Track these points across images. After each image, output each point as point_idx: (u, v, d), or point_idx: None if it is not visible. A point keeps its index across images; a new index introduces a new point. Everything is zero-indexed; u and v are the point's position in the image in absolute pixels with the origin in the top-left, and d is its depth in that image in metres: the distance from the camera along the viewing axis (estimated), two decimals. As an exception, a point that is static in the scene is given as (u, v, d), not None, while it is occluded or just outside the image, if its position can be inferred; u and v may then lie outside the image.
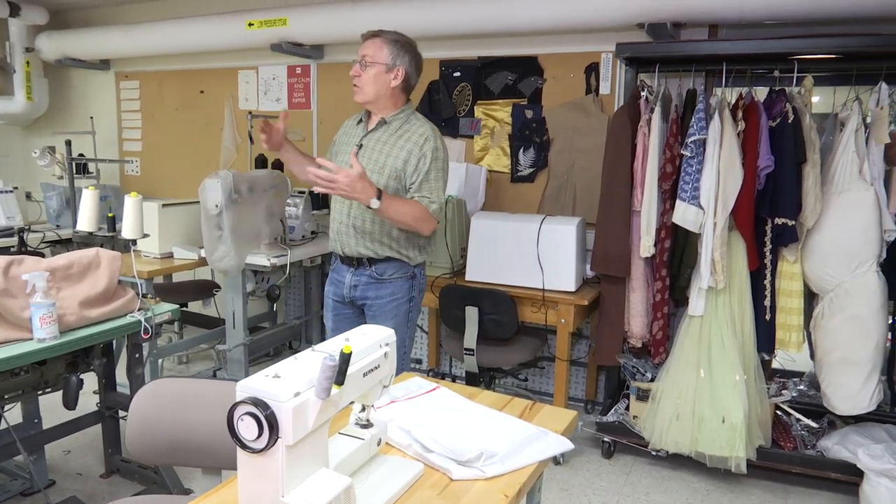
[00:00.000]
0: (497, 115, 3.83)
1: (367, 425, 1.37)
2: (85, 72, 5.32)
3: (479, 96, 3.87)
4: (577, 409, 3.72)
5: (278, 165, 4.29)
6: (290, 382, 1.08)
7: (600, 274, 3.13)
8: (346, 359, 1.11)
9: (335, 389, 1.11)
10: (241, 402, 1.06)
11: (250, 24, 4.00)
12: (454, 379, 3.94)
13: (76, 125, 5.30)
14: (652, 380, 3.02)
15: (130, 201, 2.52)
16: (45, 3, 4.92)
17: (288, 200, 3.97)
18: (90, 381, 2.69)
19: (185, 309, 4.69)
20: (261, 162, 4.32)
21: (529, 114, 3.74)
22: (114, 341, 2.82)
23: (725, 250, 2.78)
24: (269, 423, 1.04)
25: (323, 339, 4.71)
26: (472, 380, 3.29)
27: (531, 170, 3.78)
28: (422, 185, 2.39)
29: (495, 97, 3.82)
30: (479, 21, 3.45)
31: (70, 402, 2.32)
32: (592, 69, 3.55)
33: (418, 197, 2.38)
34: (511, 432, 1.54)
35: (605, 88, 3.54)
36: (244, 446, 1.07)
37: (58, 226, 4.55)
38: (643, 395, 3.03)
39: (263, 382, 1.07)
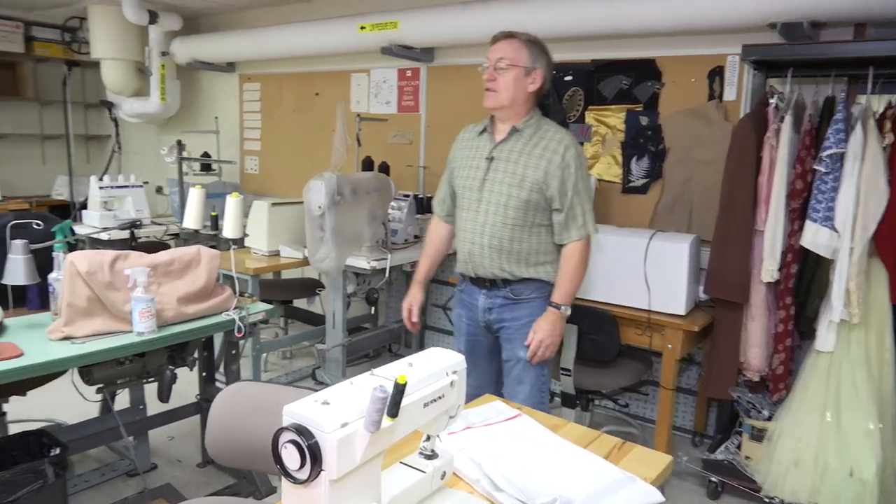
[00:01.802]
0: (609, 121, 3.63)
1: (431, 456, 1.27)
2: (212, 74, 5.61)
3: (590, 101, 3.68)
4: (682, 441, 3.49)
5: (384, 168, 4.30)
6: (339, 411, 1.00)
7: (715, 298, 2.87)
8: (399, 390, 1.01)
9: (388, 421, 1.02)
10: (286, 428, 0.99)
11: (362, 28, 4.03)
12: (552, 397, 3.77)
13: (203, 125, 5.59)
14: (769, 418, 2.73)
15: (231, 202, 2.56)
16: (179, 10, 5.22)
17: (392, 203, 3.97)
18: (191, 373, 2.78)
19: (291, 305, 4.82)
20: (367, 164, 4.34)
21: (644, 121, 3.51)
22: (213, 337, 2.90)
23: (863, 280, 2.45)
24: (312, 453, 0.96)
25: (422, 345, 4.70)
26: (568, 401, 3.12)
27: (644, 180, 3.55)
28: (573, 203, 2.21)
29: (608, 102, 3.62)
30: (593, 22, 3.27)
31: (163, 395, 2.39)
32: (716, 73, 3.27)
33: (573, 224, 2.22)
34: (594, 476, 1.39)
35: (729, 94, 3.24)
36: (287, 475, 1.00)
37: (181, 220, 4.80)
38: (758, 435, 2.74)
39: (310, 408, 1.00)
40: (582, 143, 3.73)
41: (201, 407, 2.91)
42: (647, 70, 3.47)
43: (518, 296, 2.30)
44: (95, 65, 5.63)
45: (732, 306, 2.78)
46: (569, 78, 3.72)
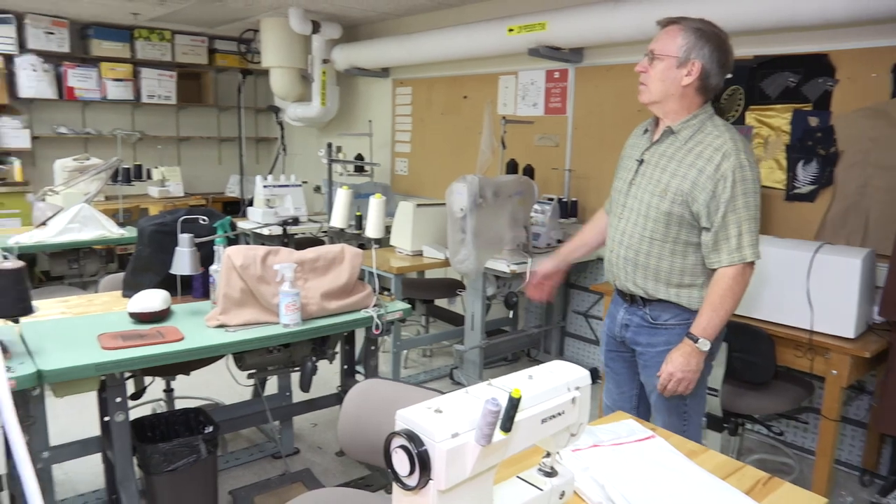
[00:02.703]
0: (773, 122, 3.34)
1: (550, 473, 1.22)
2: (368, 79, 5.86)
3: (752, 101, 3.40)
4: (847, 478, 3.13)
5: (528, 171, 4.26)
6: (451, 420, 0.98)
7: (892, 321, 2.54)
8: (513, 404, 0.98)
9: (501, 435, 0.99)
10: (397, 433, 0.99)
11: (510, 30, 4.02)
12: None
13: (358, 128, 5.87)
14: (956, 462, 2.37)
15: (374, 203, 2.64)
16: (339, 19, 5.51)
17: (535, 207, 3.92)
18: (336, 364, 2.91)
19: (433, 304, 4.91)
20: (511, 167, 4.32)
21: (814, 121, 3.19)
22: (356, 331, 3.02)
23: None
24: (422, 461, 0.95)
25: (561, 352, 4.61)
26: (714, 423, 2.90)
27: (811, 187, 3.22)
28: (727, 221, 1.91)
29: (772, 102, 3.33)
30: (758, 14, 3.01)
31: (304, 384, 2.51)
32: (904, 68, 2.90)
33: (724, 247, 1.93)
34: (730, 511, 1.27)
35: (919, 91, 2.87)
36: (397, 479, 1.00)
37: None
38: (941, 480, 2.40)
39: (422, 416, 0.99)
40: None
41: (341, 398, 3.03)
42: (818, 65, 3.14)
43: (656, 320, 2.09)
44: (265, 73, 6.09)
45: (914, 332, 2.46)
46: (728, 75, 3.46)
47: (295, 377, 2.89)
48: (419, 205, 4.02)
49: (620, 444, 1.54)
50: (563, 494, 1.23)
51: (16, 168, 5.71)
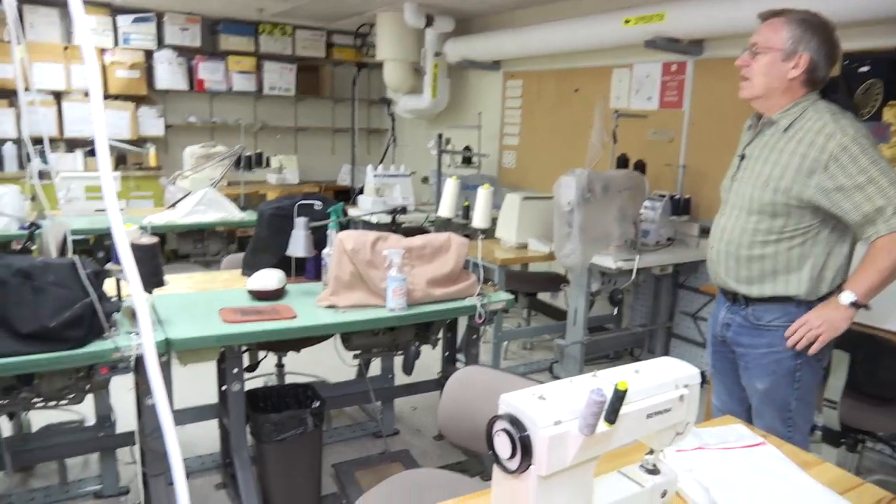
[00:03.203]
0: (916, 119, 3.08)
1: (652, 471, 1.20)
2: (479, 72, 5.89)
3: (891, 95, 3.14)
4: None
5: (640, 166, 4.15)
6: (554, 408, 0.98)
7: None
8: (619, 396, 0.97)
9: (605, 427, 0.98)
10: (500, 416, 1.00)
11: (626, 21, 3.91)
12: (813, 429, 3.33)
13: (467, 120, 5.91)
14: None
15: (482, 193, 2.67)
16: (452, 12, 5.56)
17: (645, 203, 3.82)
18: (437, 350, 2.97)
19: (535, 298, 4.90)
20: (622, 162, 4.22)
21: (965, 119, 2.91)
22: (458, 319, 3.06)
23: None
24: (523, 445, 0.96)
25: (666, 353, 4.46)
26: (830, 437, 2.73)
27: (958, 190, 2.94)
28: (870, 194, 1.78)
29: (915, 97, 3.07)
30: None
31: (407, 368, 2.58)
32: None
33: (878, 217, 1.78)
34: (846, 528, 1.20)
35: None
36: (498, 462, 1.01)
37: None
38: None
39: (525, 401, 1.00)
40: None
41: (441, 384, 3.08)
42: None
43: (759, 321, 2.01)
44: (379, 66, 6.25)
45: None
46: (865, 69, 3.22)
47: (398, 360, 2.98)
48: (526, 197, 4.01)
49: (728, 449, 1.49)
50: (664, 493, 1.20)
51: (151, 154, 6.17)
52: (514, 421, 0.97)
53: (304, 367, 3.72)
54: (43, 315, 1.87)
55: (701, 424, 1.61)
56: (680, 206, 4.10)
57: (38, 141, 2.52)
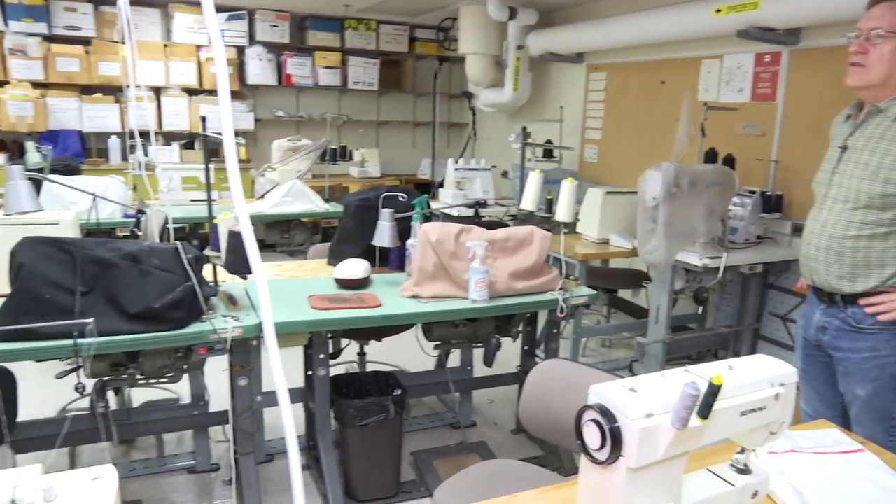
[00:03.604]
0: None
1: (743, 470, 1.17)
2: (561, 65, 5.83)
3: None
4: None
5: (729, 161, 4.01)
6: (645, 400, 0.98)
7: None
8: (713, 391, 0.95)
9: (697, 422, 0.97)
10: (590, 406, 1.00)
11: (718, 11, 3.78)
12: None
13: (548, 114, 5.87)
14: None
15: (567, 186, 2.65)
16: (536, 4, 5.52)
17: (734, 199, 3.70)
18: (517, 344, 2.98)
19: (615, 295, 4.82)
20: (710, 156, 4.09)
21: None
22: (538, 313, 3.06)
23: None
24: (613, 436, 0.96)
25: (753, 354, 4.29)
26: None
27: None
28: None
29: None
30: None
31: (488, 361, 2.60)
32: None
33: None
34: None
35: None
36: (587, 452, 1.02)
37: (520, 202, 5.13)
38: None
39: (616, 392, 1.00)
40: None
41: (520, 378, 3.09)
42: None
43: (860, 323, 1.91)
44: (461, 59, 6.28)
45: None
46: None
47: (476, 353, 3.00)
48: (609, 192, 3.95)
49: (823, 454, 1.43)
50: (755, 494, 1.17)
51: (241, 147, 6.43)
52: (605, 412, 0.97)
53: (384, 356, 3.80)
54: (149, 296, 1.99)
55: (792, 428, 1.55)
56: (771, 203, 3.94)
57: (141, 134, 2.68)
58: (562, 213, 2.70)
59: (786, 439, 1.45)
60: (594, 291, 2.75)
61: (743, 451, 1.18)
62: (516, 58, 5.80)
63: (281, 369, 0.70)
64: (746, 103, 4.20)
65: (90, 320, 1.49)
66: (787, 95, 3.96)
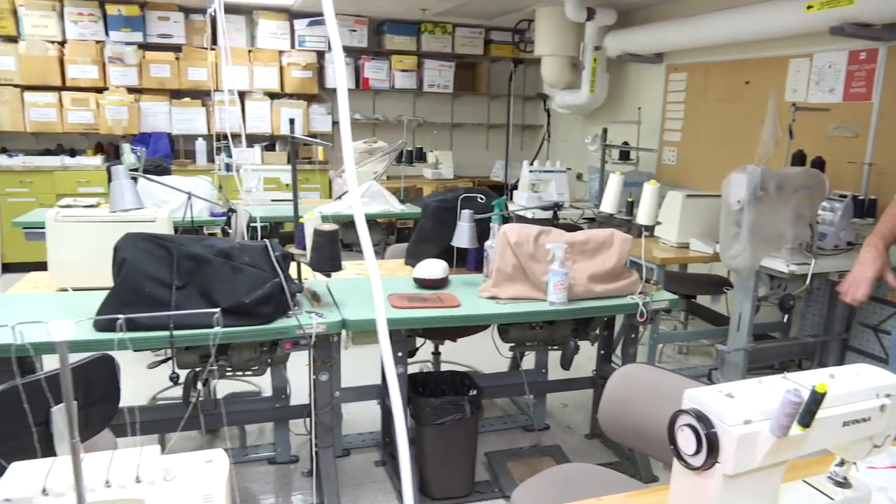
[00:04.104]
0: None
1: (843, 484, 1.13)
2: (639, 66, 5.72)
3: None
4: None
5: (818, 164, 3.85)
6: (743, 407, 0.96)
7: None
8: (816, 398, 0.93)
9: (798, 430, 0.94)
10: (685, 411, 0.99)
11: (809, 7, 3.63)
12: None
13: (625, 115, 5.77)
14: None
15: (648, 189, 2.61)
16: (614, 4, 5.45)
17: (823, 204, 3.54)
18: (591, 348, 2.95)
19: (693, 301, 4.69)
20: (798, 158, 3.93)
21: None
22: (615, 318, 3.01)
23: None
24: (710, 442, 0.95)
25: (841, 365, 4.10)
26: None
27: None
28: None
29: None
30: None
31: (566, 364, 2.58)
32: None
33: None
34: None
35: None
36: (680, 457, 1.01)
37: (596, 205, 5.06)
38: None
39: (713, 398, 0.98)
40: None
41: (595, 382, 3.06)
42: None
43: None
44: (536, 61, 6.26)
45: None
46: None
47: (552, 355, 2.99)
48: (689, 195, 3.85)
49: (929, 472, 1.36)
50: (857, 509, 1.13)
51: (319, 149, 6.60)
52: (701, 417, 0.96)
53: (458, 356, 3.83)
54: (239, 291, 2.08)
55: (894, 443, 1.48)
56: (864, 208, 3.76)
57: (226, 137, 2.79)
58: (643, 216, 2.66)
59: (887, 455, 1.39)
60: (675, 296, 2.70)
61: (842, 463, 1.13)
62: (593, 59, 5.73)
63: (392, 364, 0.73)
64: (838, 104, 4.02)
65: (217, 310, 1.58)
66: (884, 95, 3.76)
